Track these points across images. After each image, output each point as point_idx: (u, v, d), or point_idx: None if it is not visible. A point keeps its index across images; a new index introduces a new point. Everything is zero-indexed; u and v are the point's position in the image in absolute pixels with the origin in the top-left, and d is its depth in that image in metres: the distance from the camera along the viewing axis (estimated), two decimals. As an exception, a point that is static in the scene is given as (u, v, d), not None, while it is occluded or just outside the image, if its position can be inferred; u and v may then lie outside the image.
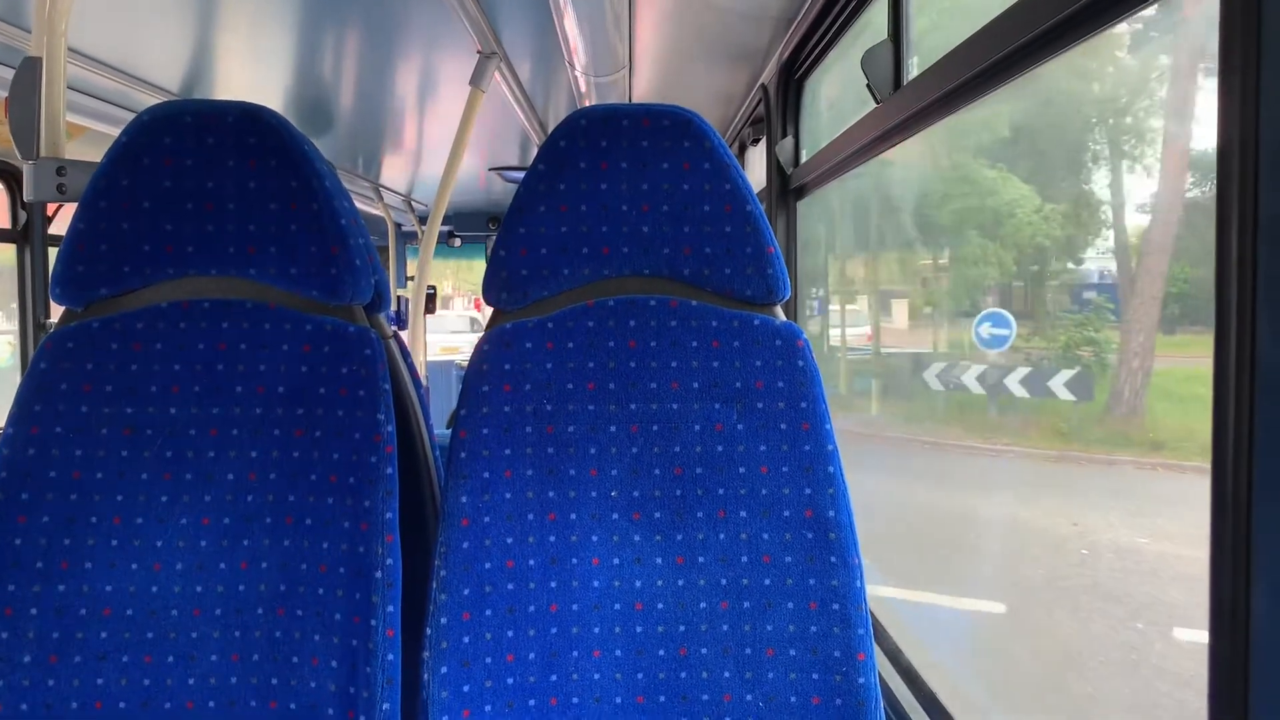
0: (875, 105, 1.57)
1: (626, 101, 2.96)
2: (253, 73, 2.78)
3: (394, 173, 4.78)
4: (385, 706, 1.06)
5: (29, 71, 1.31)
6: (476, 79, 2.43)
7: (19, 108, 1.30)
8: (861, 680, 1.12)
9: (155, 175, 1.18)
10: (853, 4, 1.73)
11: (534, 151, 3.99)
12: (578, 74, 2.54)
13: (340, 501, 1.13)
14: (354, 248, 1.20)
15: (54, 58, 1.32)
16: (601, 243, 1.21)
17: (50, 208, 3.56)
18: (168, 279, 1.20)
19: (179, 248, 1.19)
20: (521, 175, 4.66)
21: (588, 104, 2.99)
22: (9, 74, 2.42)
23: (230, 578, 1.14)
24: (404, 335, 2.82)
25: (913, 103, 1.40)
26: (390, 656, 1.08)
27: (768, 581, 1.14)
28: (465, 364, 6.27)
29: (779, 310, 1.22)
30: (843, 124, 1.77)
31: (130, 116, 2.95)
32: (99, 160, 1.23)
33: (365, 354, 1.17)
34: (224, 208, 1.18)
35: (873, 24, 1.68)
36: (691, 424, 1.18)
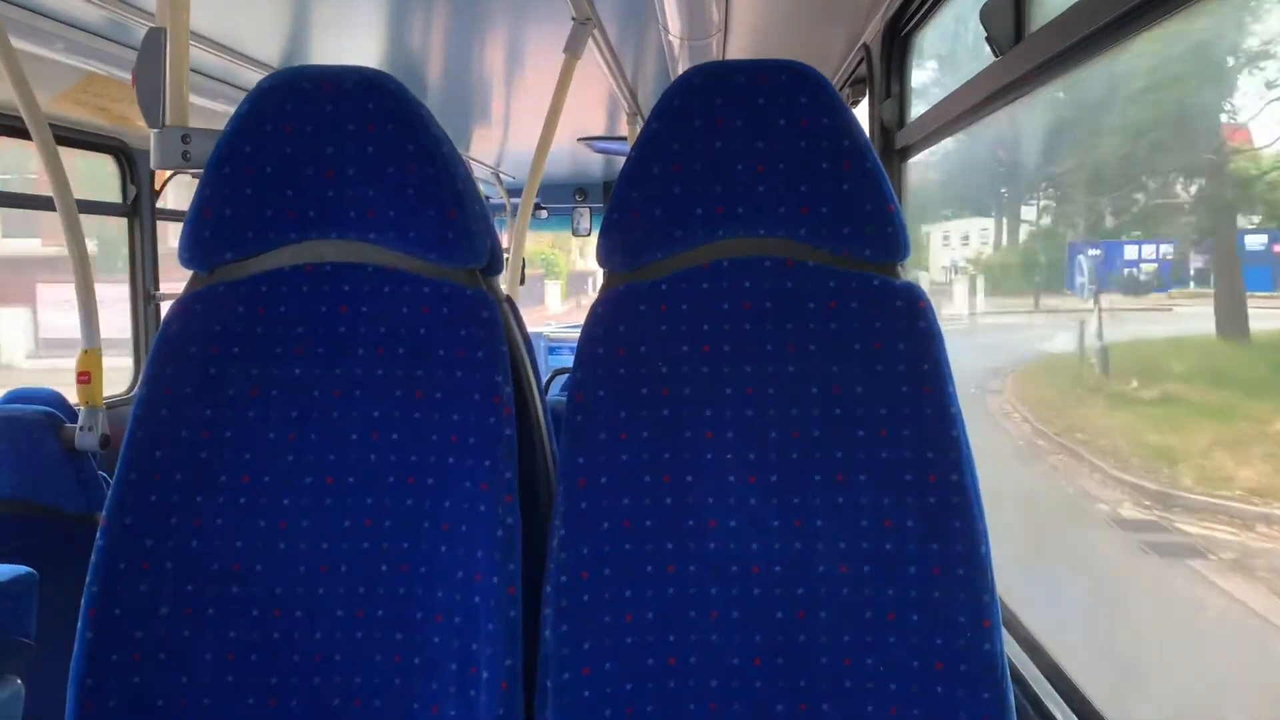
0: (994, 60, 1.51)
1: None
2: (347, 45, 2.82)
3: (483, 145, 4.81)
4: (508, 662, 1.08)
5: (154, 42, 1.34)
6: (571, 46, 2.42)
7: (145, 78, 1.34)
8: (987, 647, 1.09)
9: (277, 141, 1.20)
10: None
11: (622, 119, 3.96)
12: (671, 38, 2.51)
13: (460, 461, 1.14)
14: (470, 212, 1.20)
15: (178, 27, 1.35)
16: (716, 203, 1.19)
17: (158, 182, 3.69)
18: (290, 243, 1.22)
19: (301, 212, 1.21)
20: (610, 144, 4.59)
21: (679, 68, 2.95)
22: (118, 50, 2.51)
23: (354, 536, 1.16)
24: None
25: (1036, 56, 1.33)
26: (512, 613, 1.09)
27: (888, 546, 1.12)
28: (553, 336, 6.34)
29: (899, 270, 1.19)
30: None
31: (229, 90, 3.03)
32: (218, 129, 1.25)
33: (483, 316, 1.18)
34: (344, 173, 1.20)
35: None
36: (809, 386, 1.16)
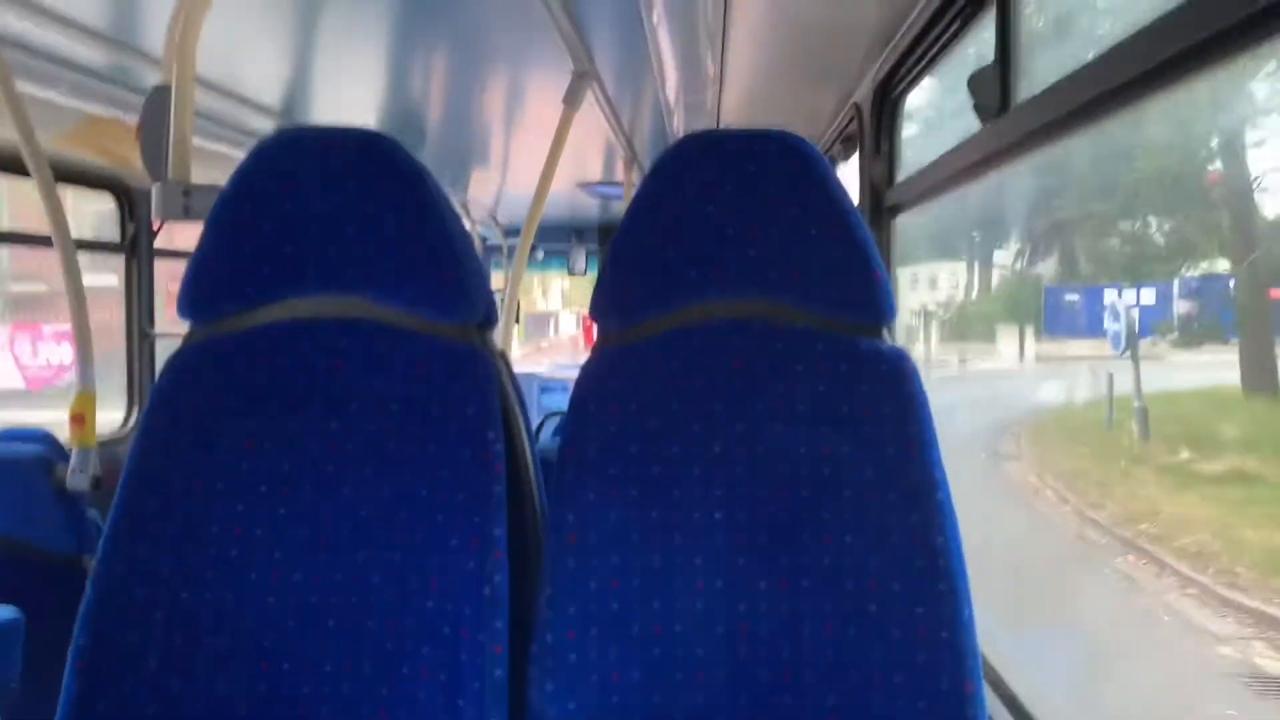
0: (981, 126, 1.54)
1: (715, 117, 2.97)
2: (349, 92, 2.86)
3: (481, 188, 4.86)
4: None
5: (159, 99, 1.37)
6: (570, 98, 2.46)
7: (150, 133, 1.37)
8: (970, 711, 1.09)
9: (277, 198, 1.23)
10: (957, 24, 1.70)
11: (619, 166, 4.01)
12: (667, 91, 2.56)
13: (450, 518, 1.15)
14: (466, 269, 1.23)
15: (183, 86, 1.38)
16: (708, 265, 1.22)
17: (155, 221, 3.71)
18: (288, 298, 1.24)
19: (299, 267, 1.23)
20: (607, 190, 4.64)
21: (676, 120, 3.00)
22: (121, 93, 2.54)
23: (344, 590, 1.17)
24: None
25: (1021, 126, 1.37)
26: (498, 672, 1.09)
27: (873, 608, 1.13)
28: (548, 377, 6.33)
29: (885, 334, 1.21)
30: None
31: (232, 134, 3.07)
32: (219, 181, 1.28)
33: (475, 372, 1.20)
34: (342, 229, 1.22)
35: (981, 39, 1.63)
36: (796, 448, 1.17)
